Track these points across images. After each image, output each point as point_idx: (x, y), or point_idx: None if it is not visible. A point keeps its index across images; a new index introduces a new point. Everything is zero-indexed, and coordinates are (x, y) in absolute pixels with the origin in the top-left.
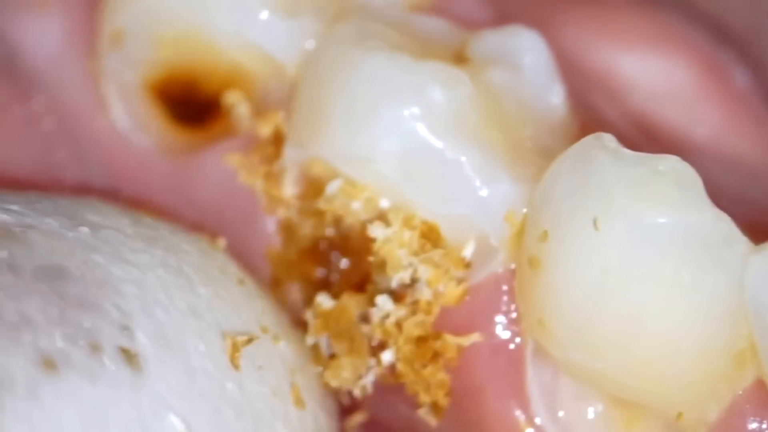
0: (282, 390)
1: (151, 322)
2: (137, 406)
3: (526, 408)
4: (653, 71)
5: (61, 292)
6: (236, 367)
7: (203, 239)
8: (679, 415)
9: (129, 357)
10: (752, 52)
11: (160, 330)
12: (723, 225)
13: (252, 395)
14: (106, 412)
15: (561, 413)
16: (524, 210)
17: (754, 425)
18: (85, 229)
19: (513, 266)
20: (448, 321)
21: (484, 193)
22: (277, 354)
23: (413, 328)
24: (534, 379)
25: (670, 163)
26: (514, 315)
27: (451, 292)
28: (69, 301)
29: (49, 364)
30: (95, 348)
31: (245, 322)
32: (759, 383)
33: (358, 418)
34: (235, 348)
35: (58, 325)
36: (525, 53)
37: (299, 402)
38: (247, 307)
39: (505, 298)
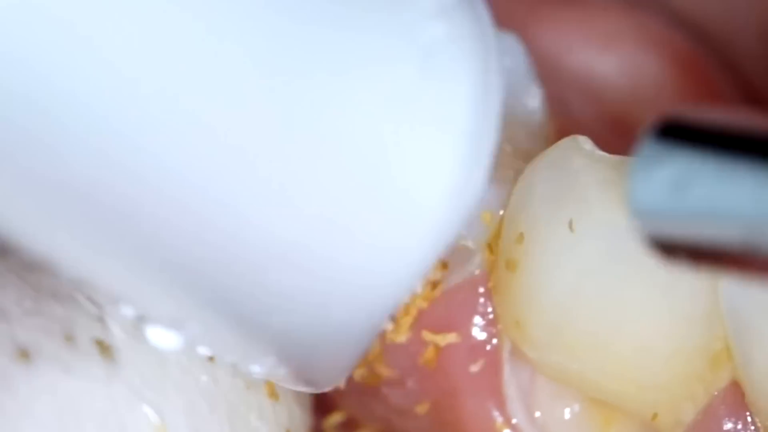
0: (256, 383)
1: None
2: (111, 398)
3: (503, 409)
4: (631, 73)
5: (35, 284)
6: (210, 359)
7: None
8: (655, 415)
9: (103, 349)
10: (730, 55)
11: (135, 322)
12: None
13: (226, 388)
14: (80, 402)
15: (538, 414)
16: (501, 212)
17: (729, 426)
18: None
19: (490, 268)
20: (425, 323)
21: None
22: None
23: (389, 332)
24: (511, 380)
25: None
26: (491, 316)
27: (427, 293)
28: (43, 292)
29: (23, 354)
30: (69, 339)
31: None
32: (734, 385)
33: (336, 418)
34: None
35: (33, 316)
36: (503, 56)
37: (273, 395)
38: None
39: (481, 299)
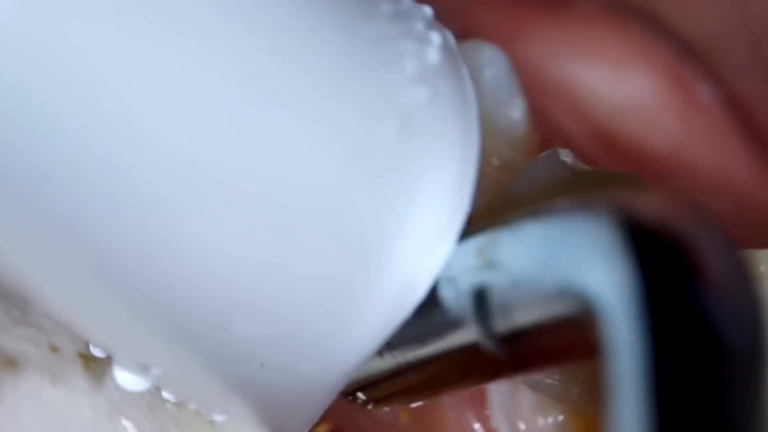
0: None
1: None
2: (94, 409)
3: (485, 420)
4: (616, 84)
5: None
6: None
7: None
8: None
9: (87, 362)
10: (716, 67)
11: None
12: None
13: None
14: (64, 411)
15: (520, 424)
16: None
17: None
18: None
19: None
20: None
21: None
22: None
23: None
24: (494, 391)
25: (623, 178)
26: None
27: None
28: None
29: (10, 362)
30: (55, 351)
31: None
32: None
33: (322, 429)
34: None
35: (21, 326)
36: (485, 68)
37: None
38: None
39: None
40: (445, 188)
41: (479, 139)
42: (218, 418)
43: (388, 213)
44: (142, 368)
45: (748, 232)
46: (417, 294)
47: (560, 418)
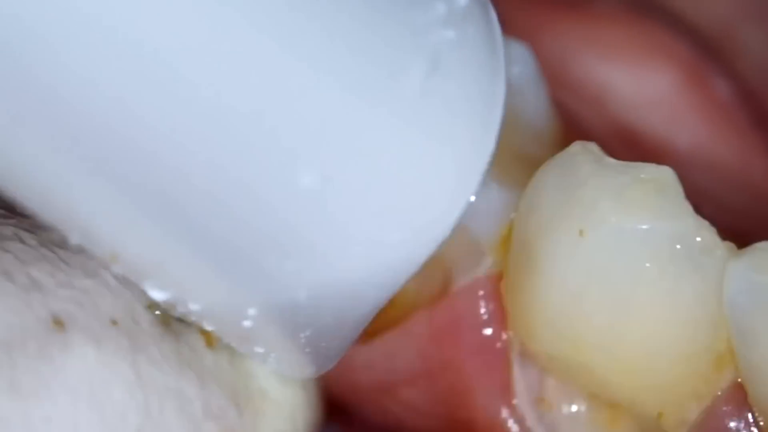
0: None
1: (142, 293)
2: (137, 372)
3: (512, 407)
4: (637, 81)
5: (66, 258)
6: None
7: None
8: (660, 414)
9: (130, 324)
10: (735, 64)
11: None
12: (703, 231)
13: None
14: (109, 371)
15: (546, 412)
16: (511, 215)
17: (732, 424)
18: None
19: (500, 269)
20: (436, 322)
21: (472, 199)
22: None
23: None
24: (520, 379)
25: (652, 170)
26: (500, 317)
27: (437, 293)
28: (73, 266)
29: (58, 323)
30: (98, 312)
31: None
32: (737, 385)
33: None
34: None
35: (66, 288)
36: (512, 64)
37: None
38: None
39: (491, 300)
40: (470, 130)
41: (504, 85)
42: (257, 349)
43: (414, 153)
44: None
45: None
46: (443, 232)
47: (584, 406)
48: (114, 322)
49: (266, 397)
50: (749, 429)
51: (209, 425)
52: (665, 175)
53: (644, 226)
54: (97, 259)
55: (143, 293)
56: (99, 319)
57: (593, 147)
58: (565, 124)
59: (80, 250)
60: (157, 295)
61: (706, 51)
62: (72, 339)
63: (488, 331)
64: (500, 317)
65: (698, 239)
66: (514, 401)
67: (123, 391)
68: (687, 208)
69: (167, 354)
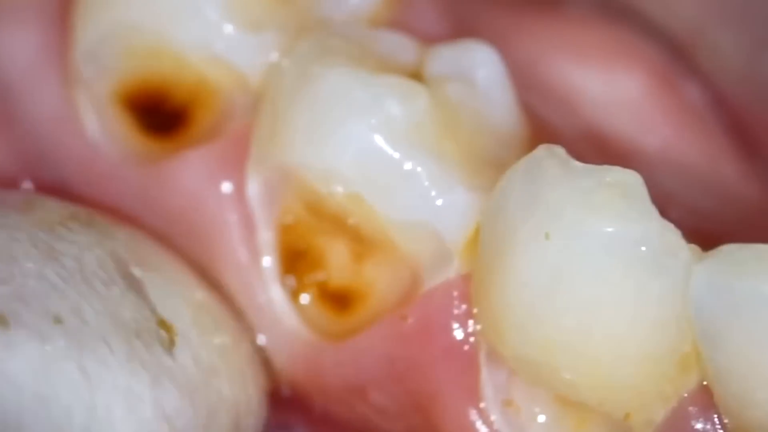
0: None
1: (91, 293)
2: (83, 370)
3: (480, 410)
4: (607, 84)
5: (12, 256)
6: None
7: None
8: (627, 415)
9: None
10: (705, 67)
11: (103, 303)
12: (668, 234)
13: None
14: (53, 368)
15: (514, 414)
16: (478, 218)
17: (698, 426)
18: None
19: (467, 272)
20: (405, 325)
21: (439, 202)
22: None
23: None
24: (488, 381)
25: (617, 174)
26: (468, 319)
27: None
28: (20, 265)
29: (2, 320)
30: (45, 310)
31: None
32: (703, 387)
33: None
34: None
35: (10, 286)
36: (479, 67)
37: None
38: None
39: (459, 302)
40: None
41: None
42: None
43: None
44: None
45: (735, 227)
46: None
47: (552, 408)
48: (59, 321)
49: (222, 397)
50: (715, 430)
51: (161, 425)
52: (630, 178)
53: (609, 229)
54: (42, 259)
55: (93, 292)
56: (44, 318)
57: (559, 150)
58: (534, 127)
59: (26, 250)
60: None
61: (676, 54)
62: (15, 335)
63: (457, 333)
64: (468, 320)
65: (662, 242)
66: (482, 404)
67: (68, 389)
68: (652, 211)
69: (118, 354)
